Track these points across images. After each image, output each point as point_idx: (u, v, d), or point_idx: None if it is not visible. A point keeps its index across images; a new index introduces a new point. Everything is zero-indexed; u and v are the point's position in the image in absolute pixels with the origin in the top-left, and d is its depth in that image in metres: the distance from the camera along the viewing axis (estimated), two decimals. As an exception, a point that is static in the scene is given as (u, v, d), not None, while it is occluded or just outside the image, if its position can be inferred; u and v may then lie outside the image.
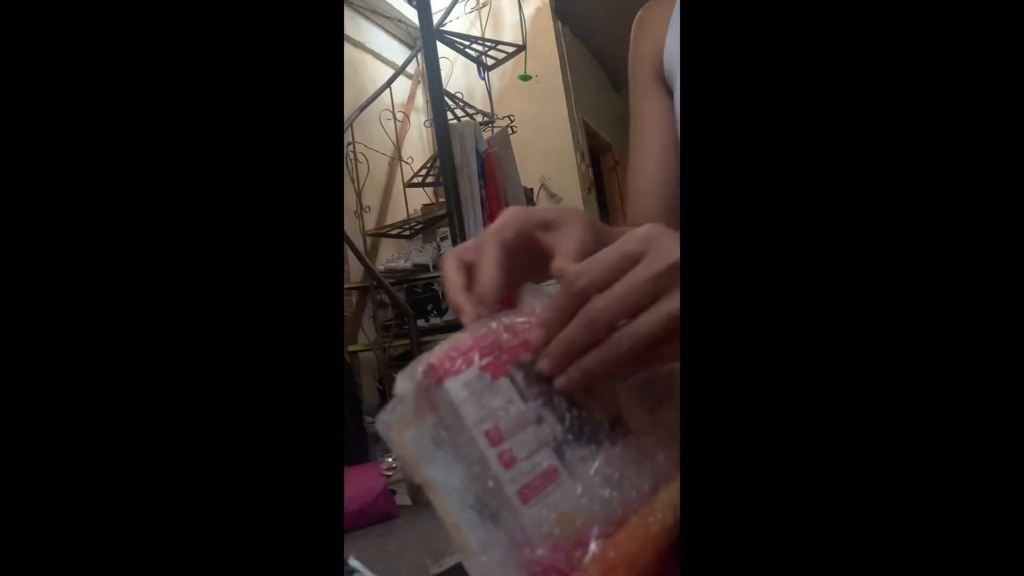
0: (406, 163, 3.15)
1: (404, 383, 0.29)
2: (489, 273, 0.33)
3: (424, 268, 2.90)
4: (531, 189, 3.24)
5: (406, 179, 3.04)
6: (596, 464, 0.29)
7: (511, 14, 3.46)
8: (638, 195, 0.67)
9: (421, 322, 2.73)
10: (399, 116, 3.27)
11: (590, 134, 3.87)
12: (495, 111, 3.12)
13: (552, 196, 3.43)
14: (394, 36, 3.55)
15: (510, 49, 2.92)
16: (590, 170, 3.68)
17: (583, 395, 0.31)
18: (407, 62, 3.19)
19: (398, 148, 3.23)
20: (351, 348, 2.76)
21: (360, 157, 2.92)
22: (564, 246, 0.33)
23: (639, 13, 0.70)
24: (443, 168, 2.15)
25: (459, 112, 2.92)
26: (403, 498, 0.92)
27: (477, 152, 2.38)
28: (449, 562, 0.54)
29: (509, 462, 0.28)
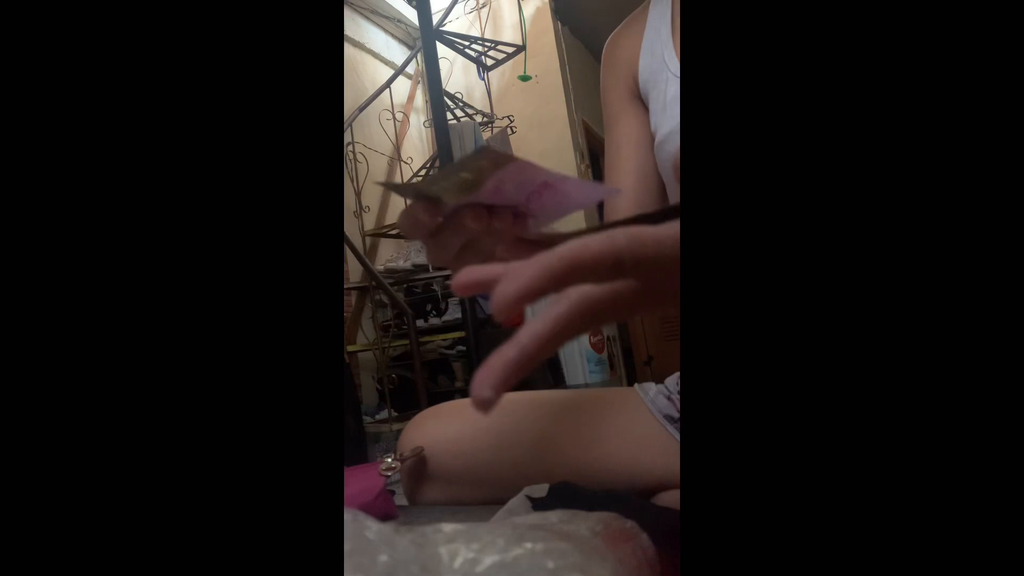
0: (406, 163, 3.15)
1: None
2: None
3: (423, 268, 2.90)
4: (530, 189, 3.23)
5: (406, 179, 3.04)
6: None
7: (511, 14, 3.46)
8: (615, 212, 0.71)
9: (420, 322, 2.73)
10: (399, 116, 3.27)
11: (589, 134, 3.87)
12: (495, 111, 3.13)
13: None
14: (394, 36, 3.55)
15: (510, 49, 2.93)
16: (589, 170, 3.68)
17: None
18: (407, 62, 3.19)
19: (398, 148, 3.23)
20: (350, 348, 2.76)
21: (360, 157, 2.92)
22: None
23: (607, 43, 0.75)
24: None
25: (459, 112, 2.92)
26: (402, 498, 0.92)
27: (476, 152, 2.38)
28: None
29: None
